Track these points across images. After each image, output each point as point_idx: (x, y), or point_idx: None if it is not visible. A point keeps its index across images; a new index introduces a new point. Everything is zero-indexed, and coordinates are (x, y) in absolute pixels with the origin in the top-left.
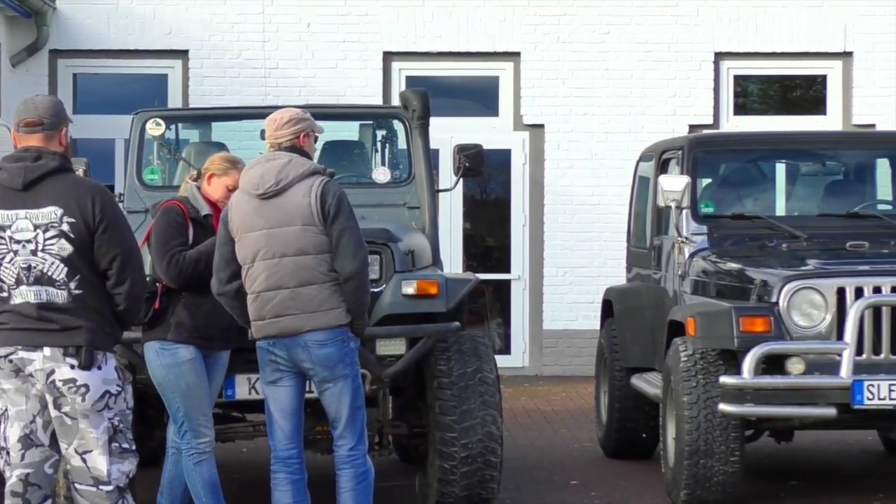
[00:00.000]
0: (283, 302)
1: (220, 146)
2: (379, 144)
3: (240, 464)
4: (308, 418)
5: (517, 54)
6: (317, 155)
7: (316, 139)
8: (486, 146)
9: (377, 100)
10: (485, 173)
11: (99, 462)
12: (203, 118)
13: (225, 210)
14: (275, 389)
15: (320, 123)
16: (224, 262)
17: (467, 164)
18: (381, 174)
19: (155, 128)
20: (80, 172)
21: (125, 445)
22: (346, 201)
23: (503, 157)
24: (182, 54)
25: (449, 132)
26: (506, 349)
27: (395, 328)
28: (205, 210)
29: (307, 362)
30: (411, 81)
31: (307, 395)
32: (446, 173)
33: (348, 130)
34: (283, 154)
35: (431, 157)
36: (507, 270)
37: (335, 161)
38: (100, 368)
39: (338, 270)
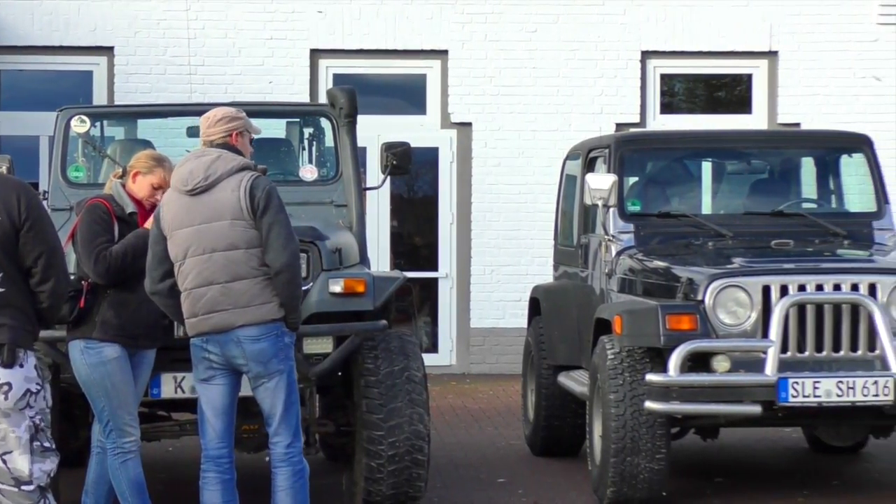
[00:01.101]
0: (214, 298)
1: (146, 143)
2: (306, 142)
3: (165, 463)
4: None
5: (445, 52)
6: None
7: (252, 140)
8: (413, 144)
9: (304, 97)
10: (412, 171)
11: (20, 462)
12: (128, 115)
13: (157, 208)
14: (207, 388)
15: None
16: (156, 261)
17: (395, 162)
18: (309, 172)
19: (80, 125)
20: (3, 170)
21: (46, 444)
22: (275, 195)
23: (431, 155)
24: (107, 51)
25: (376, 130)
26: (433, 347)
27: (322, 326)
28: (130, 208)
29: (240, 358)
30: (338, 79)
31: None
32: (374, 171)
33: (275, 128)
34: (212, 150)
35: (359, 155)
36: (435, 269)
37: (262, 159)
38: (21, 366)
39: (268, 264)
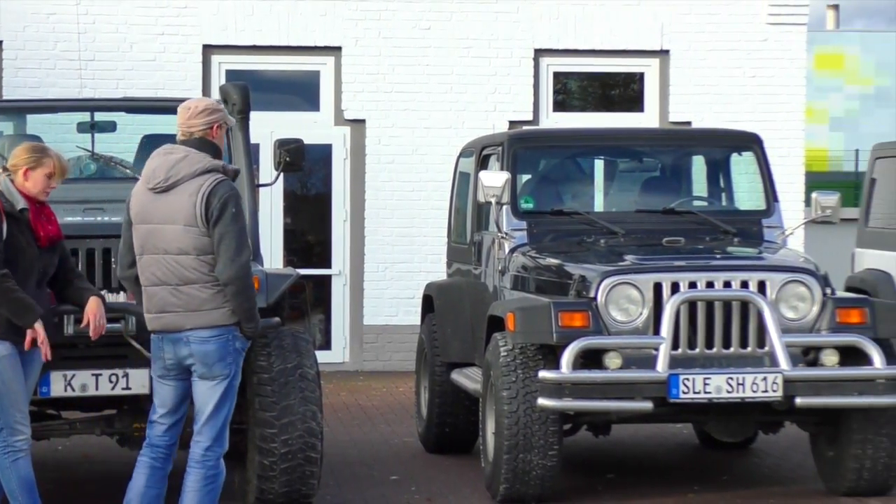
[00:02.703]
0: (165, 298)
1: (35, 139)
2: None
3: (56, 462)
4: (125, 415)
5: (338, 49)
6: (134, 149)
7: (228, 130)
8: (306, 141)
9: (197, 93)
10: (305, 168)
11: None
12: (18, 110)
13: (127, 197)
14: (161, 385)
15: (139, 117)
16: (126, 248)
17: (288, 159)
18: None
19: None
20: None
21: None
22: (231, 204)
23: (324, 151)
24: None
25: (269, 126)
26: (326, 345)
27: None
28: (20, 204)
29: (189, 358)
30: (231, 75)
31: (122, 392)
32: (267, 168)
33: (167, 124)
34: (180, 148)
35: (252, 152)
36: (328, 266)
37: None
38: None
39: (217, 275)
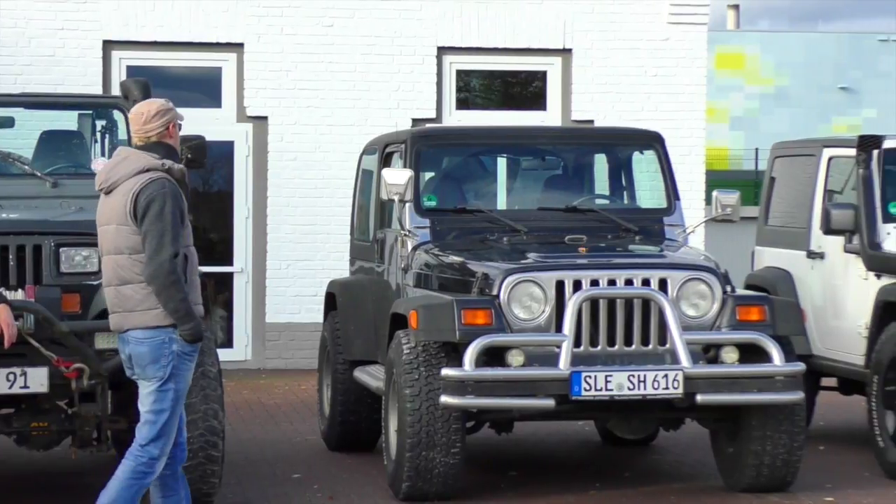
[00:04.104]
0: (110, 299)
1: None
2: (98, 134)
3: None
4: (23, 414)
5: (240, 45)
6: (33, 145)
7: (180, 128)
8: (208, 138)
9: (97, 89)
10: (207, 165)
11: None
12: None
13: None
14: (137, 383)
15: (38, 112)
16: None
17: (189, 156)
18: (101, 165)
19: None
20: None
21: None
22: (158, 202)
23: (226, 148)
24: None
25: None
26: (228, 342)
27: None
28: None
29: (130, 358)
30: (132, 71)
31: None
32: None
33: (67, 120)
34: (125, 150)
35: None
36: (230, 263)
37: (53, 151)
38: None
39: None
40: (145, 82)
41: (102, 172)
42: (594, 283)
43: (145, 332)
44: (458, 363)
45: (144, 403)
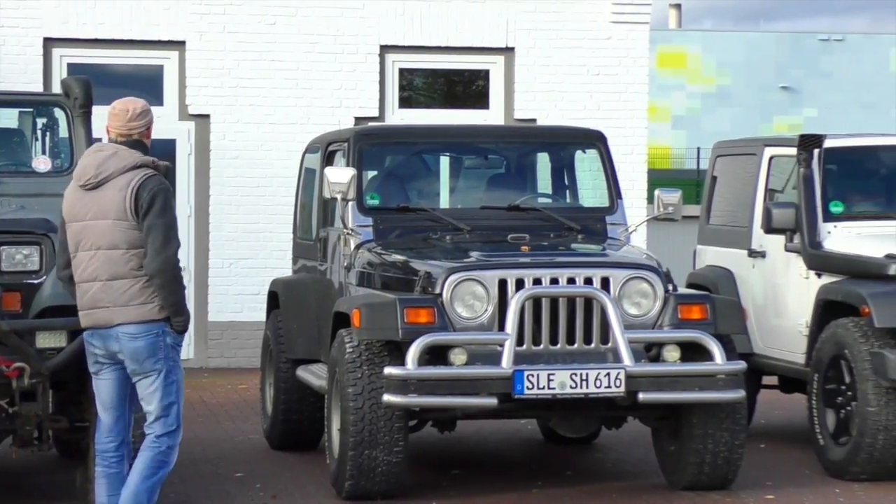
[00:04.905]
0: (96, 294)
1: None
2: (39, 132)
3: None
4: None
5: (182, 43)
6: None
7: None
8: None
9: (38, 87)
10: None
11: None
12: None
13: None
14: (97, 381)
15: None
16: (62, 247)
17: None
18: (42, 163)
19: None
20: None
21: None
22: (161, 198)
23: (168, 147)
24: None
25: None
26: None
27: (55, 320)
28: None
29: (120, 353)
30: (73, 69)
31: None
32: None
33: (7, 118)
34: (110, 146)
35: None
36: None
37: None
38: None
39: (144, 267)
40: (86, 80)
41: (90, 167)
42: (537, 281)
43: (139, 326)
44: (401, 362)
45: (151, 401)
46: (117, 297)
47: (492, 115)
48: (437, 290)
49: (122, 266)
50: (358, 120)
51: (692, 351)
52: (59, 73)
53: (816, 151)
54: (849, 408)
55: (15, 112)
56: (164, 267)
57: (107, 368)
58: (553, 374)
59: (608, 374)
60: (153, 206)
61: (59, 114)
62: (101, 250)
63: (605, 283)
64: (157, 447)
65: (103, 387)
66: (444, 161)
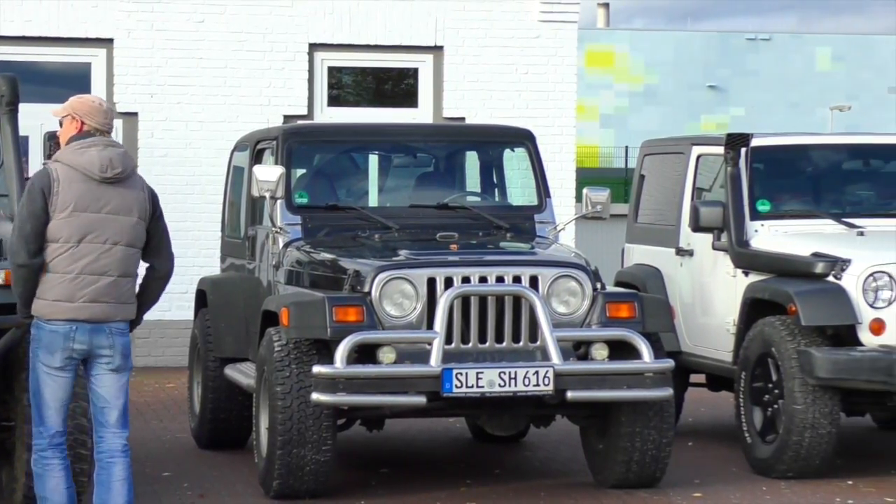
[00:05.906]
0: (102, 289)
1: None
2: None
3: None
4: None
5: (110, 41)
6: None
7: None
8: None
9: None
10: None
11: None
12: None
13: (41, 182)
14: (56, 378)
15: None
16: (35, 234)
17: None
18: None
19: None
20: None
21: None
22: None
23: None
24: None
25: (39, 119)
26: None
27: None
28: None
29: (107, 349)
30: (0, 66)
31: None
32: (36, 160)
33: None
34: (117, 142)
35: (21, 145)
36: None
37: None
38: None
39: (155, 268)
40: (13, 77)
41: (114, 160)
42: (465, 280)
43: (125, 324)
44: (330, 360)
45: (119, 397)
46: (121, 294)
47: (421, 114)
48: (366, 289)
49: (132, 265)
50: (287, 118)
51: (620, 349)
52: None
53: (743, 150)
54: (776, 406)
55: None
56: (171, 269)
57: (72, 366)
58: (482, 373)
59: (536, 373)
60: (158, 207)
61: None
62: (120, 246)
63: (534, 282)
64: (127, 449)
65: (63, 384)
66: (374, 159)
